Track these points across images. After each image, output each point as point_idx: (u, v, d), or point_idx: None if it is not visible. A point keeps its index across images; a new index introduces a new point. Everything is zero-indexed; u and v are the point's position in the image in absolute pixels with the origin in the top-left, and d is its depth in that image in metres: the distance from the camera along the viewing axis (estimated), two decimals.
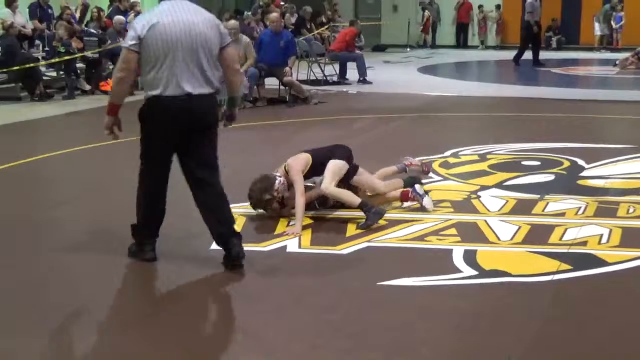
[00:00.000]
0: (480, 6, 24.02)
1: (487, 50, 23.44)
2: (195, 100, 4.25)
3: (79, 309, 3.95)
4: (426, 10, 24.27)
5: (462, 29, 24.65)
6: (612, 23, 22.19)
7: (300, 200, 5.18)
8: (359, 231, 5.08)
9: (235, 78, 4.55)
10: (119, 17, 14.33)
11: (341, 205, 5.45)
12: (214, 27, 4.36)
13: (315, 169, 5.42)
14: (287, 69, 11.52)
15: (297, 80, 12.20)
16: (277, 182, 5.30)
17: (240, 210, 5.56)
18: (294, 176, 5.31)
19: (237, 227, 4.71)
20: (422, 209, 5.46)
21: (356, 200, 5.28)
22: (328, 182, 5.29)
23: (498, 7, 24.03)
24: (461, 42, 24.67)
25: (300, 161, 5.40)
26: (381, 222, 5.21)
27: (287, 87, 11.65)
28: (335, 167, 5.36)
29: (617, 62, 17.26)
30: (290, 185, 5.35)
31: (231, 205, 5.59)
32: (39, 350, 3.49)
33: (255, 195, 5.33)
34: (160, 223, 4.58)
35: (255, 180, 5.37)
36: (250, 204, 5.44)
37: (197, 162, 4.40)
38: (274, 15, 12.33)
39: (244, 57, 11.35)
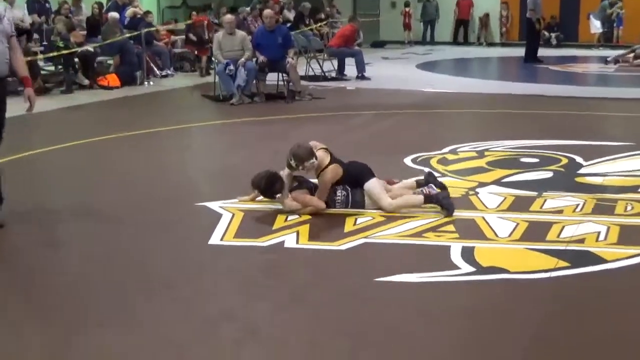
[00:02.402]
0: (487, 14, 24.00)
1: (487, 48, 23.40)
2: None
3: (75, 305, 3.95)
4: (409, 7, 24.19)
5: (462, 26, 24.56)
6: (614, 19, 22.10)
7: (316, 203, 5.34)
8: (356, 227, 5.08)
9: None
10: (113, 14, 14.40)
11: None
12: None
13: (345, 181, 5.48)
14: (290, 59, 11.59)
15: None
16: (311, 161, 5.36)
17: (239, 206, 5.57)
18: (326, 186, 5.38)
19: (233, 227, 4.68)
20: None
21: (419, 198, 5.39)
22: (386, 202, 5.34)
23: (505, 4, 23.96)
24: (461, 38, 24.58)
25: (336, 174, 5.43)
26: (379, 217, 5.22)
27: (287, 75, 11.66)
28: (375, 188, 5.41)
29: (609, 59, 17.24)
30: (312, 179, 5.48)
31: (229, 201, 5.66)
32: (37, 347, 3.49)
33: (294, 154, 5.36)
34: None
35: (301, 144, 5.44)
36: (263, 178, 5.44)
37: None
38: (268, 11, 12.34)
39: (241, 48, 11.40)
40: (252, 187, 5.52)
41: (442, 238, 4.87)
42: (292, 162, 5.36)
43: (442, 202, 5.31)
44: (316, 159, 5.38)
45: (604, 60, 17.46)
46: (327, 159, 5.45)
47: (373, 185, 5.42)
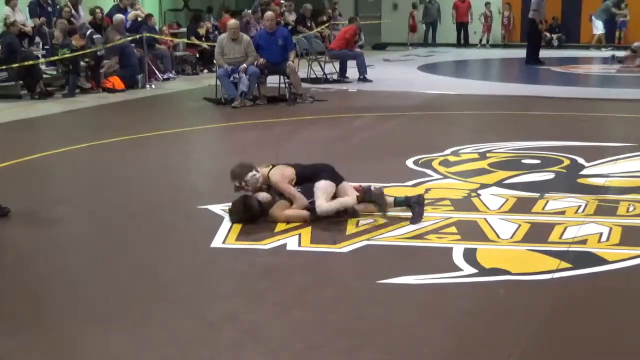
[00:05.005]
0: (487, 3, 23.92)
1: (488, 49, 23.40)
2: None
3: (78, 307, 3.96)
4: (415, 9, 24.18)
5: (461, 28, 24.56)
6: (617, 20, 22.05)
7: (289, 218, 5.22)
8: (358, 229, 5.08)
9: None
10: (118, 16, 14.43)
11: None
12: None
13: (300, 181, 5.39)
14: (290, 62, 11.62)
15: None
16: (250, 174, 5.25)
17: None
18: (283, 188, 5.26)
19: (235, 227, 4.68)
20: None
21: (351, 200, 5.23)
22: (322, 202, 5.20)
23: (508, 5, 23.95)
24: (461, 40, 24.58)
25: (286, 177, 5.33)
26: (381, 220, 5.22)
27: (288, 78, 11.68)
28: (325, 186, 5.29)
29: (616, 55, 17.20)
30: (275, 193, 5.33)
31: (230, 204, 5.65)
32: (39, 348, 3.49)
33: (231, 173, 5.31)
34: None
35: (239, 163, 5.36)
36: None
37: None
38: (269, 13, 12.33)
39: (244, 55, 11.39)
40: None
41: (444, 240, 4.87)
42: (235, 182, 5.27)
43: (379, 199, 5.20)
44: (257, 171, 5.29)
45: (611, 57, 17.38)
46: (267, 170, 5.36)
47: (321, 185, 5.27)
